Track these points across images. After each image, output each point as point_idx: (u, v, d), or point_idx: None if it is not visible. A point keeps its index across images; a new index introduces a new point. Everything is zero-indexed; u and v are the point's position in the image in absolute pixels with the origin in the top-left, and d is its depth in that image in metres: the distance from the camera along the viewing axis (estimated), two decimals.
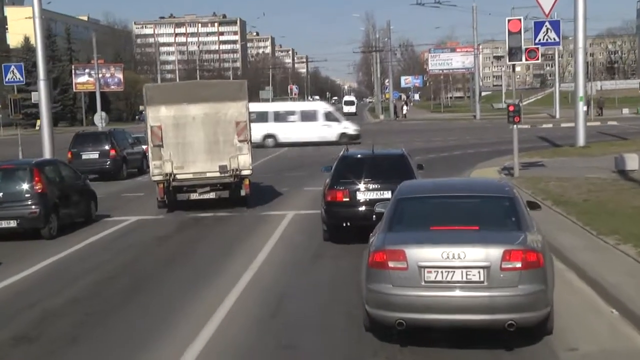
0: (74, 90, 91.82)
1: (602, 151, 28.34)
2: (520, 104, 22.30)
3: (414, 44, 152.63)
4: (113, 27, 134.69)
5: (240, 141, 18.22)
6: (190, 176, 18.08)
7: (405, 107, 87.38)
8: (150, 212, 18.39)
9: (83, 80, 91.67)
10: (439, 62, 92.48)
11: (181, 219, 17.24)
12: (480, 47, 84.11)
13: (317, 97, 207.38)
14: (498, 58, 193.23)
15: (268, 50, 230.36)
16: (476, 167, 25.89)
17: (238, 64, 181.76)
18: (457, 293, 7.26)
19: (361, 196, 13.24)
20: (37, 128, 79.69)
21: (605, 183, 18.77)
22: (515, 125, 21.17)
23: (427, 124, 68.00)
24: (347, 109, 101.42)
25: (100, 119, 38.02)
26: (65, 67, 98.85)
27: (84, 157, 27.91)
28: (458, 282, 7.27)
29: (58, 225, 15.47)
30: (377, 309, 7.51)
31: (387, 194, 12.59)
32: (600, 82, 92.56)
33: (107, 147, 28.14)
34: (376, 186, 13.26)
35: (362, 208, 13.10)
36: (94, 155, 27.98)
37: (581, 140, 30.39)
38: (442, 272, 7.30)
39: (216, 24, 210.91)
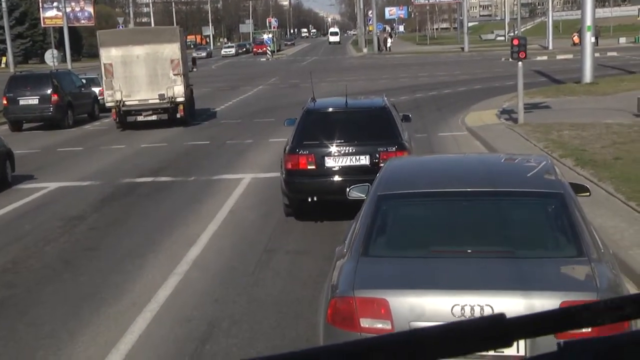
0: (42, 25, 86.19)
1: (613, 89, 25.00)
2: (523, 37, 18.84)
3: None
4: None
5: (174, 75, 22.36)
6: (136, 102, 22.33)
7: (389, 40, 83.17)
8: (80, 176, 15.02)
9: (51, 14, 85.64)
10: None
11: (113, 186, 13.85)
12: None
13: (305, 30, 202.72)
14: None
15: None
16: (470, 109, 22.59)
17: None
18: None
19: (331, 162, 10.04)
20: (2, 65, 75.40)
21: (632, 132, 15.48)
22: (520, 62, 17.73)
23: (412, 57, 64.19)
24: (332, 38, 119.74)
25: (52, 57, 34.03)
26: (34, 1, 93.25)
27: (21, 102, 24.25)
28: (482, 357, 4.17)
29: None
30: None
31: (365, 160, 10.02)
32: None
33: (48, 91, 24.41)
34: (351, 149, 10.02)
35: (333, 178, 9.99)
36: (33, 100, 24.28)
37: (588, 76, 26.82)
38: None
39: None
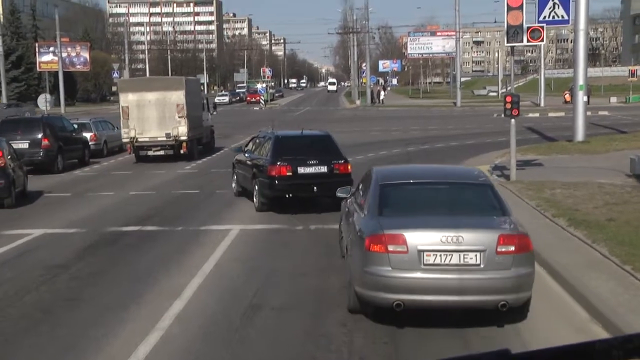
0: (38, 69, 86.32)
1: (605, 147, 25.04)
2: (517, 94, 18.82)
3: (392, 27, 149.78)
4: (84, 5, 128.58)
5: (179, 117, 26.07)
6: (147, 139, 26.19)
7: (382, 92, 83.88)
8: (65, 223, 14.76)
9: (47, 59, 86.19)
10: (419, 46, 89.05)
11: (98, 234, 13.60)
12: (461, 31, 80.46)
13: (295, 81, 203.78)
14: (478, 43, 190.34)
15: (245, 32, 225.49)
16: (462, 164, 22.45)
17: (214, 45, 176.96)
18: (455, 275, 7.45)
19: (302, 170, 14.61)
20: None
21: (625, 192, 15.38)
22: (513, 120, 17.72)
23: (405, 110, 64.56)
24: (330, 87, 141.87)
25: (45, 102, 34.05)
26: (30, 45, 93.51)
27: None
28: (455, 265, 7.46)
29: None
30: (375, 291, 7.56)
31: (324, 168, 14.75)
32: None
33: (39, 136, 24.28)
34: (314, 161, 14.69)
35: (304, 181, 14.57)
36: (24, 144, 24.01)
37: (580, 135, 26.89)
38: (440, 255, 7.46)
39: (192, 4, 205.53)
